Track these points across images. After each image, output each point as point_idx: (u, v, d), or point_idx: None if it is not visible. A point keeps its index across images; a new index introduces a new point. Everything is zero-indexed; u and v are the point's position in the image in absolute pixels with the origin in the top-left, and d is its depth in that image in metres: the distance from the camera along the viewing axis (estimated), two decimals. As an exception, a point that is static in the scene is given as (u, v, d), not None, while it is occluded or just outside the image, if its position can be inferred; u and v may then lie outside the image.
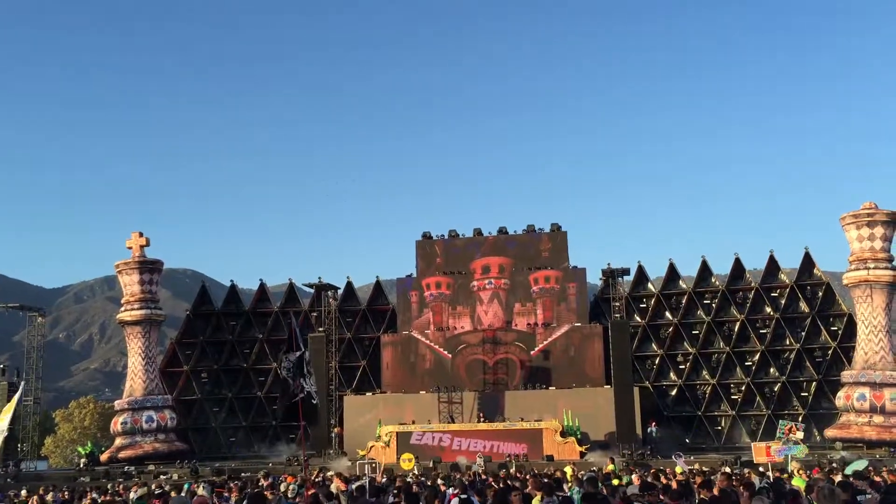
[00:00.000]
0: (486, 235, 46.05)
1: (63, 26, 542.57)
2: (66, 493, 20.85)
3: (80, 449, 47.34)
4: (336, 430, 40.70)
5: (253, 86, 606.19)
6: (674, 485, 13.31)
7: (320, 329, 43.08)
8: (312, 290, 45.46)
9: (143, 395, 44.11)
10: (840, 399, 39.73)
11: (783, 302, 44.06)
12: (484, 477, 20.27)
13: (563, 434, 37.06)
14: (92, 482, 30.40)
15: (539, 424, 37.49)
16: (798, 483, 12.93)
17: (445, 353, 44.01)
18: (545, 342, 43.28)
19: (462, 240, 46.37)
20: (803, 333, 43.41)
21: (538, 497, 10.53)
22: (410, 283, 46.08)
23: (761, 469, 22.65)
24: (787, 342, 43.84)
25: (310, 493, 12.87)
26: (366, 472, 21.72)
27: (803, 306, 43.93)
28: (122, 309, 46.15)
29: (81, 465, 42.74)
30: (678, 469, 20.23)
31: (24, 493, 20.51)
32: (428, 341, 44.43)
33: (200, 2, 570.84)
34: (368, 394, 43.91)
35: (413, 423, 39.12)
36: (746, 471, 22.42)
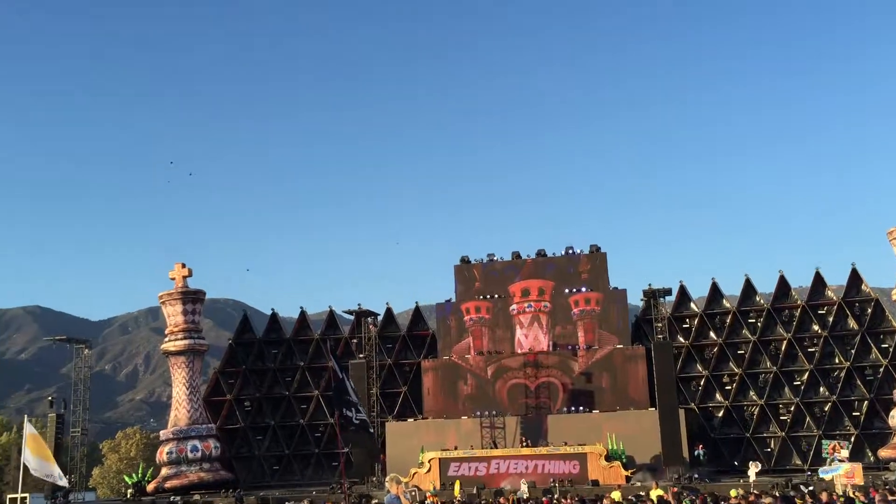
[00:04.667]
0: (525, 258, 45.87)
1: (102, 54, 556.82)
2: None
3: (126, 478, 47.83)
4: (379, 456, 40.58)
5: (289, 111, 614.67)
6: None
7: (361, 356, 43.17)
8: (352, 317, 45.67)
9: (188, 425, 44.50)
10: (893, 418, 38.65)
11: (831, 319, 43.14)
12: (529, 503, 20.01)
13: (608, 458, 36.55)
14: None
15: (583, 448, 37.03)
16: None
17: (486, 377, 43.76)
18: (587, 365, 42.84)
19: (500, 263, 46.25)
20: (853, 351, 42.40)
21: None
22: (450, 308, 46.03)
23: (810, 489, 22.09)
24: (837, 360, 42.85)
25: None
26: (408, 497, 21.59)
27: (852, 323, 42.96)
28: (166, 339, 46.76)
29: (128, 496, 43.15)
30: (732, 493, 19.78)
31: None
32: (468, 366, 44.25)
33: (240, 23, 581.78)
34: (410, 420, 43.76)
35: (455, 448, 38.90)
36: (796, 495, 21.82)
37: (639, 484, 33.31)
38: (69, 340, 45.88)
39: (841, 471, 27.76)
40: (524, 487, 31.78)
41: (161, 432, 48.07)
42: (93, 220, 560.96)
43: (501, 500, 22.64)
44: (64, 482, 19.34)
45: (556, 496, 25.75)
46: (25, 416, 22.23)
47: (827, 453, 29.48)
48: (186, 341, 45.72)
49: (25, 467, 19.83)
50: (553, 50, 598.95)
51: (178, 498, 38.45)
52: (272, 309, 51.54)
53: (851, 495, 17.85)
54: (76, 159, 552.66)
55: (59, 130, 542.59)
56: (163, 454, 44.48)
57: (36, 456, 19.01)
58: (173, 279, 46.66)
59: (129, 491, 44.01)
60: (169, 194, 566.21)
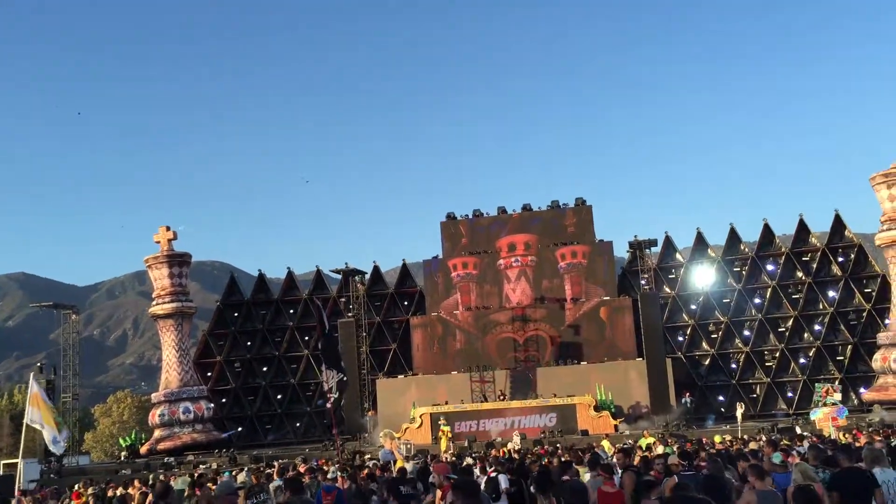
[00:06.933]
0: (511, 213, 45.83)
1: (91, 32, 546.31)
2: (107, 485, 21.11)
3: (121, 441, 48.07)
4: (369, 413, 40.93)
5: (274, 76, 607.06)
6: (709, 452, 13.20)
7: (349, 314, 43.25)
8: (340, 277, 45.62)
9: (179, 387, 44.59)
10: (877, 361, 39.21)
11: (815, 266, 43.52)
12: (516, 455, 20.21)
13: (597, 408, 36.97)
14: (133, 474, 30.80)
15: (572, 400, 37.43)
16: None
17: (475, 332, 44.00)
18: (575, 317, 43.11)
19: (487, 219, 46.20)
20: (837, 297, 42.86)
21: (584, 470, 10.63)
22: (437, 265, 46.06)
23: (804, 433, 22.45)
24: (821, 306, 43.33)
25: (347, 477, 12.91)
26: (402, 452, 21.75)
27: (835, 269, 43.35)
28: (154, 303, 46.59)
29: (122, 458, 43.40)
30: (717, 438, 20.09)
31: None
32: (457, 322, 44.44)
33: (225, 6, 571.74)
34: (401, 376, 44.06)
35: (446, 403, 39.21)
36: (782, 438, 22.20)
37: (627, 433, 33.74)
38: (56, 306, 45.64)
39: (820, 413, 28.18)
40: (516, 439, 32.11)
41: (152, 395, 48.15)
42: (75, 185, 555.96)
43: (493, 452, 22.87)
44: (56, 448, 19.31)
45: (546, 447, 26.05)
46: (32, 373, 22.04)
47: (820, 396, 29.91)
48: (174, 304, 45.55)
49: (28, 428, 19.81)
50: (538, 10, 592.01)
51: (171, 459, 38.69)
52: (259, 270, 51.53)
53: (839, 437, 18.17)
54: (57, 123, 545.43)
55: (41, 94, 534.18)
56: (155, 417, 44.64)
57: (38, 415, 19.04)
58: (158, 243, 46.36)
59: (123, 453, 44.24)
60: (152, 158, 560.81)
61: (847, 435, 19.60)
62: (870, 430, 21.97)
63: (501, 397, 39.36)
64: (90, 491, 18.97)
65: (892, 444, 14.15)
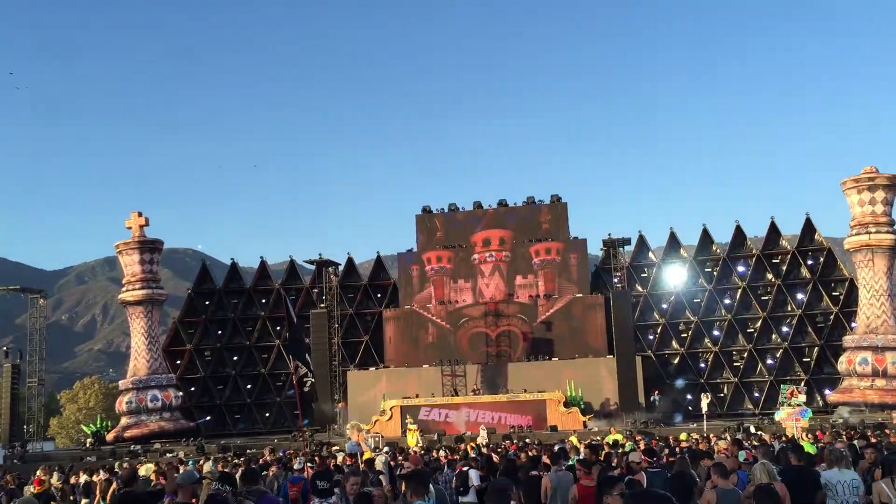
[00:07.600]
0: (486, 208, 45.88)
1: (64, 14, 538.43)
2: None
3: (85, 428, 47.55)
4: (340, 405, 40.82)
5: (250, 65, 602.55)
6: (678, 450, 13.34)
7: (322, 305, 43.08)
8: (313, 267, 45.42)
9: (148, 375, 44.21)
10: (842, 364, 39.81)
11: (784, 268, 44.03)
12: (485, 450, 20.23)
13: (567, 405, 37.19)
14: (98, 461, 30.49)
15: (542, 395, 37.61)
16: (807, 448, 12.91)
17: (448, 326, 44.02)
18: (547, 314, 43.28)
19: (462, 213, 46.20)
20: (805, 299, 43.40)
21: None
22: (411, 258, 46.01)
23: (757, 432, 22.72)
24: (789, 308, 43.86)
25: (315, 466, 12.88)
26: (370, 444, 21.74)
27: (805, 272, 43.89)
28: (124, 289, 46.12)
29: (87, 445, 42.98)
30: (682, 436, 20.27)
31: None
32: (430, 315, 44.42)
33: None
34: (372, 369, 43.99)
35: (417, 396, 39.27)
36: (745, 437, 22.45)
37: (595, 429, 33.96)
38: (23, 290, 45.07)
39: (784, 413, 28.45)
40: (484, 433, 32.17)
41: (120, 382, 47.73)
42: (46, 168, 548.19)
43: (462, 446, 22.91)
44: None
45: (516, 442, 26.14)
46: None
47: (784, 398, 30.22)
48: (144, 291, 45.13)
49: None
50: (513, 6, 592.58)
51: (138, 447, 38.36)
52: (232, 258, 51.21)
53: (802, 437, 18.41)
54: (30, 105, 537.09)
55: (13, 75, 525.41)
56: (122, 404, 44.24)
57: None
58: (130, 228, 45.86)
59: (89, 440, 43.81)
60: (125, 144, 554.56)
61: (809, 435, 19.86)
62: (833, 430, 22.28)
63: (476, 392, 39.44)
64: (55, 478, 18.70)
65: (855, 444, 14.35)
